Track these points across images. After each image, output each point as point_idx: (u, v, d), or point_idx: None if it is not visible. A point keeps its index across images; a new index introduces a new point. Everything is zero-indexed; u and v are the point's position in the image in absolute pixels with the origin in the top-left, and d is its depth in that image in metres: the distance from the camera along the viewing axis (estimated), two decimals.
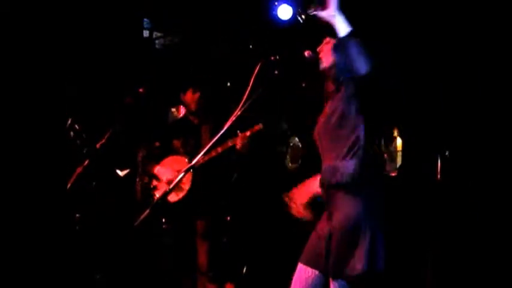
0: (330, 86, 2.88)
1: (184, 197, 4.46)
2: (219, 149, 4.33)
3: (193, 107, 4.64)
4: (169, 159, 4.63)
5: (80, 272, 4.71)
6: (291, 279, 2.87)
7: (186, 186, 4.44)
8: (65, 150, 4.82)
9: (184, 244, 4.61)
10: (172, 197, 4.47)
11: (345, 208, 2.70)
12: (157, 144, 4.76)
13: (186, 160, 4.50)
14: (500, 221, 4.46)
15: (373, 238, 2.63)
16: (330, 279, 2.71)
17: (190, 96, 4.64)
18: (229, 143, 4.30)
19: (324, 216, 2.87)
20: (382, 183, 2.81)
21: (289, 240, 5.10)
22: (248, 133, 4.28)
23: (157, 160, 4.67)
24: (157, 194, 4.60)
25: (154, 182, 4.63)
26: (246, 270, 5.23)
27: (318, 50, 2.88)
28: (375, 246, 2.63)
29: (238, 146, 4.29)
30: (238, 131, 4.29)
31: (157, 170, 4.64)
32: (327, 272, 2.73)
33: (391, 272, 2.72)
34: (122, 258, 5.22)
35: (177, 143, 4.64)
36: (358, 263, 2.60)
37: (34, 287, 4.79)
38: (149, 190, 4.67)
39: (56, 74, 5.13)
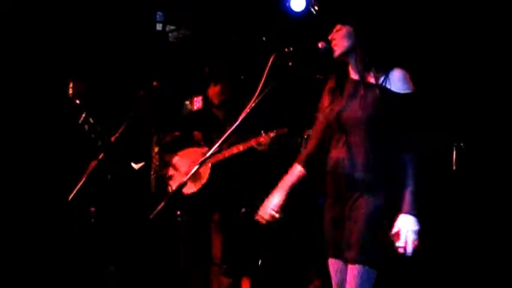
0: (352, 73, 2.86)
1: (200, 190, 4.45)
2: (241, 147, 4.28)
3: (215, 101, 4.61)
4: (189, 151, 4.61)
5: (94, 264, 4.74)
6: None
7: (204, 179, 4.42)
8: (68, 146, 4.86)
9: (199, 237, 4.61)
10: (188, 189, 4.45)
11: (376, 197, 2.70)
12: (177, 133, 4.74)
13: (206, 150, 4.49)
14: None
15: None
16: (349, 265, 2.71)
17: (211, 90, 4.61)
18: (252, 142, 4.24)
19: (330, 202, 2.86)
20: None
21: (304, 233, 5.10)
22: (272, 134, 4.21)
23: (176, 150, 4.66)
24: (173, 185, 4.59)
25: (171, 171, 4.61)
26: (261, 263, 5.23)
27: (329, 38, 2.86)
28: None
29: (262, 147, 4.22)
30: (262, 131, 4.23)
31: (176, 160, 4.62)
32: (346, 259, 2.73)
33: (404, 262, 2.71)
34: (136, 251, 5.24)
35: (198, 135, 4.62)
36: (378, 251, 2.61)
37: (50, 279, 4.83)
38: (165, 180, 4.66)
39: (64, 71, 5.17)
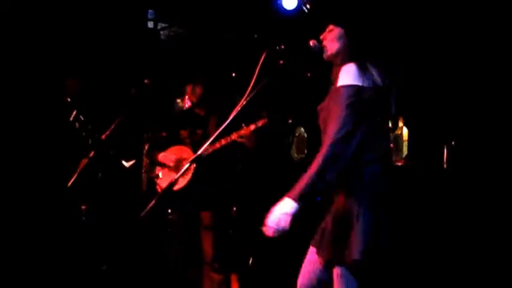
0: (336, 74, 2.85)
1: (189, 188, 4.43)
2: (223, 141, 4.28)
3: (193, 99, 4.62)
4: (174, 148, 4.61)
5: (86, 263, 4.73)
6: (297, 269, 2.85)
7: (188, 176, 4.41)
8: (63, 145, 4.85)
9: (190, 235, 4.60)
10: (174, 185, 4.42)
11: (341, 196, 2.68)
12: (163, 134, 4.74)
13: (190, 149, 4.49)
14: (507, 211, 4.45)
15: (369, 224, 2.59)
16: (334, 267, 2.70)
17: (188, 90, 4.63)
18: (233, 136, 4.24)
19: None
20: (382, 168, 2.76)
21: (295, 231, 5.10)
22: (253, 127, 4.21)
23: (163, 149, 4.66)
24: (160, 182, 4.58)
25: (158, 170, 4.60)
26: (252, 262, 5.23)
27: (321, 37, 2.85)
28: (372, 233, 2.59)
29: (243, 140, 4.23)
30: (243, 124, 4.23)
31: (161, 156, 4.61)
32: (327, 260, 2.72)
33: (395, 261, 2.70)
34: (127, 249, 5.23)
35: (184, 133, 4.62)
36: (354, 250, 2.56)
37: (42, 278, 4.82)
38: (152, 178, 4.65)
39: (55, 69, 5.15)
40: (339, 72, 2.68)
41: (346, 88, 2.61)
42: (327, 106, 2.74)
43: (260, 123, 4.17)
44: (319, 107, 2.83)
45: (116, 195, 4.95)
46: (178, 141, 4.61)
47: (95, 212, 4.63)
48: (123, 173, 4.79)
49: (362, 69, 2.65)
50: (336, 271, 2.65)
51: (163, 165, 4.59)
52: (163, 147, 4.62)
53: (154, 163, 4.64)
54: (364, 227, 2.56)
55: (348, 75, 2.64)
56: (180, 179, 4.40)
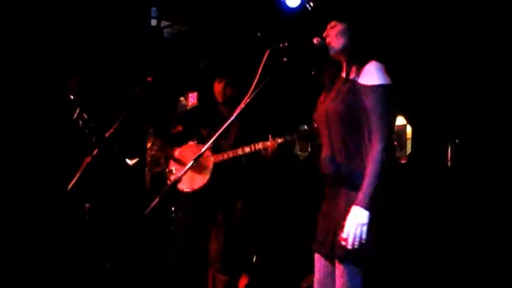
0: (344, 70, 2.86)
1: (205, 188, 4.39)
2: (247, 150, 4.22)
3: (219, 98, 4.57)
4: (192, 146, 4.54)
5: (89, 262, 4.73)
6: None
7: (206, 176, 4.37)
8: (65, 144, 4.84)
9: (195, 233, 4.59)
10: (198, 182, 4.39)
11: (343, 194, 2.71)
12: (179, 128, 4.71)
13: (210, 150, 4.43)
14: (510, 209, 4.44)
15: (380, 224, 2.61)
16: (336, 263, 2.70)
17: (216, 87, 4.57)
18: (258, 146, 4.19)
19: (327, 200, 2.87)
20: (392, 169, 2.78)
21: (300, 230, 5.10)
22: (279, 140, 4.13)
23: (177, 144, 4.61)
24: (173, 179, 4.52)
25: (173, 165, 4.55)
26: (256, 260, 5.22)
27: (324, 35, 2.85)
28: (382, 232, 2.62)
29: (266, 153, 4.17)
30: (269, 135, 4.16)
31: (178, 153, 4.56)
32: (331, 256, 2.72)
33: (399, 257, 2.70)
34: (131, 248, 5.23)
35: (205, 132, 4.55)
36: (366, 247, 2.57)
37: (45, 277, 4.82)
38: (165, 174, 4.60)
39: (58, 67, 5.15)
40: (361, 71, 2.72)
41: (383, 88, 2.66)
42: (336, 98, 2.78)
43: (289, 138, 4.12)
44: (325, 104, 2.84)
45: (119, 193, 4.94)
46: (199, 140, 4.54)
47: (98, 210, 4.63)
48: (127, 170, 4.78)
49: (383, 67, 2.71)
50: (340, 268, 2.66)
51: (180, 163, 4.53)
52: (178, 142, 4.57)
53: (169, 157, 4.60)
54: (377, 231, 2.58)
55: (377, 74, 2.69)
56: (199, 179, 4.38)
